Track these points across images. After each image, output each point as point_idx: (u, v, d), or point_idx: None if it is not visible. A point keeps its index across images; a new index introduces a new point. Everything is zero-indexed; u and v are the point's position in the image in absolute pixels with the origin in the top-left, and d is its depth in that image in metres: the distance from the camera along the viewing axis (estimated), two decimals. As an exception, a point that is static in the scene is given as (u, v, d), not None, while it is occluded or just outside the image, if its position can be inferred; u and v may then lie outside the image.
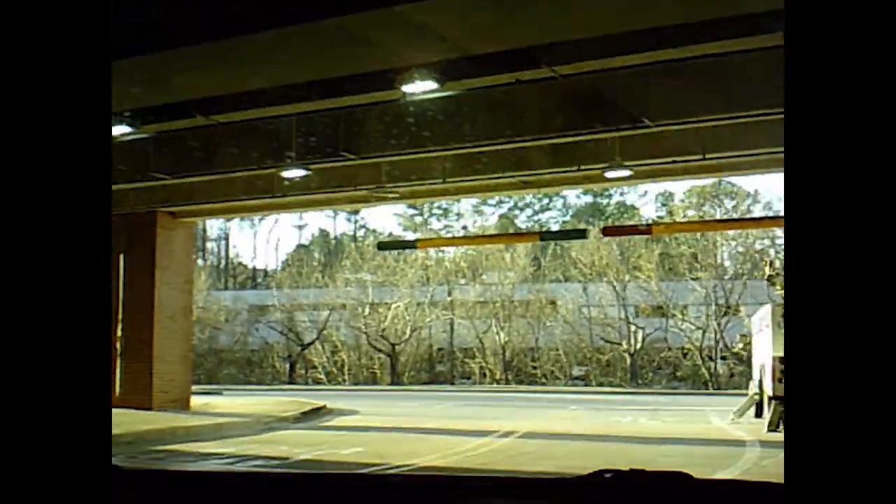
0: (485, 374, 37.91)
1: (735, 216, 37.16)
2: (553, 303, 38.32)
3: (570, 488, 1.63)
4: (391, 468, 9.39)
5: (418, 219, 46.78)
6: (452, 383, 37.02)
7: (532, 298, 38.19)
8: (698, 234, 39.24)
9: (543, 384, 36.33)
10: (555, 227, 48.66)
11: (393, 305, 37.57)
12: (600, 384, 35.18)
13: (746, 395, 16.83)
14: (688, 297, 36.08)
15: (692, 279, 36.65)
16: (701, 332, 35.07)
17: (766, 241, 37.27)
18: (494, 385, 36.03)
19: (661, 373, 35.83)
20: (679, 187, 42.05)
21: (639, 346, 34.86)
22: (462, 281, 40.14)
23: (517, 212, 51.50)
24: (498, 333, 37.38)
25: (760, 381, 14.98)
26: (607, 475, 1.59)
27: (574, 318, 37.40)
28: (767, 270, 18.55)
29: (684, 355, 35.80)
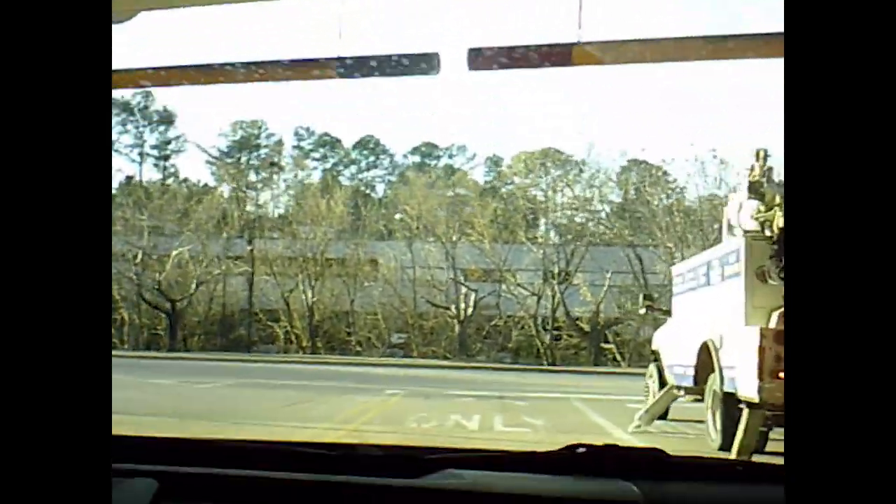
0: (290, 340, 32.57)
1: (562, 184, 34.99)
2: (374, 261, 33.43)
3: (542, 462, 1.64)
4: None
5: (233, 170, 41.54)
6: (250, 350, 31.28)
7: (348, 255, 33.11)
8: (540, 189, 36.53)
9: (358, 352, 31.60)
10: (380, 186, 46.88)
11: (173, 253, 31.25)
12: (422, 354, 30.73)
13: (644, 382, 11.56)
14: (523, 259, 32.23)
15: (528, 240, 32.98)
16: (536, 298, 31.27)
17: (604, 207, 34.45)
18: (300, 354, 30.68)
19: (491, 342, 31.74)
20: (508, 152, 41.46)
21: (469, 311, 30.43)
22: (271, 233, 34.67)
23: (341, 168, 48.96)
24: (305, 293, 32.04)
25: (697, 369, 8.91)
26: (580, 450, 1.63)
27: (396, 279, 32.68)
28: (643, 302, 12.97)
29: (516, 324, 31.96)
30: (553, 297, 31.02)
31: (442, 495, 1.51)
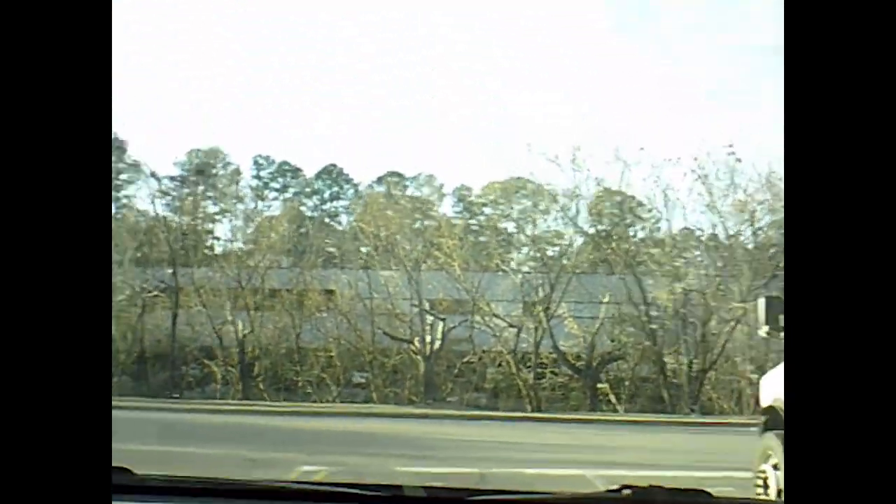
0: (227, 382, 27.49)
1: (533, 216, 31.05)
2: (329, 291, 28.61)
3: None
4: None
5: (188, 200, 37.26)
6: (173, 396, 26.07)
7: (294, 282, 28.31)
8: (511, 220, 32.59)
9: (308, 394, 26.67)
10: (344, 216, 43.99)
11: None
12: (384, 397, 25.87)
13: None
14: (498, 288, 27.58)
15: (503, 266, 28.49)
16: (515, 331, 26.56)
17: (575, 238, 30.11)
18: (235, 400, 25.61)
19: (463, 382, 26.88)
20: (477, 182, 39.28)
21: (436, 345, 25.52)
22: (215, 263, 29.89)
23: (303, 197, 45.61)
24: (239, 327, 27.13)
25: None
26: (625, 492, 1.60)
27: (351, 310, 27.85)
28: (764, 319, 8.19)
29: (493, 360, 27.20)
30: (536, 329, 26.25)
31: None
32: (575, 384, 26.07)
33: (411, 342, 26.00)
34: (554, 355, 26.61)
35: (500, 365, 26.97)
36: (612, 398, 25.09)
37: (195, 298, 27.98)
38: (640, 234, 28.43)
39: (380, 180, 45.34)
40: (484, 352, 26.99)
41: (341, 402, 26.05)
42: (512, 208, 33.67)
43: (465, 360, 26.76)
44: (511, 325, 26.76)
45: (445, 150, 52.05)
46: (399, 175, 45.45)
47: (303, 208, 43.86)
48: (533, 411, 24.55)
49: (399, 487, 1.70)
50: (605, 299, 25.28)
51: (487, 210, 37.13)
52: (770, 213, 23.91)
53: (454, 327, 25.43)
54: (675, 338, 24.08)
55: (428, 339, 25.48)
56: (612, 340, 25.56)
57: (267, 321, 28.06)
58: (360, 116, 50.46)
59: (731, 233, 24.54)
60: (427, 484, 1.78)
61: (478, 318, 26.75)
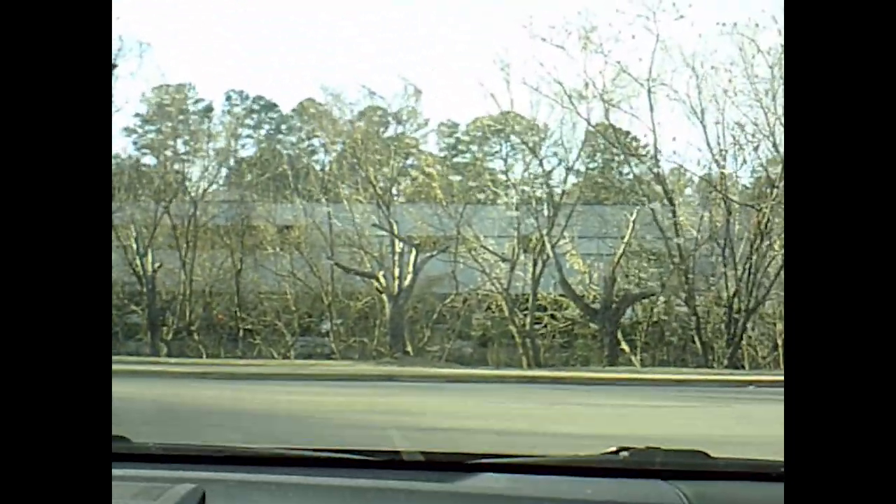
0: (167, 334, 22.64)
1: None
2: (285, 228, 23.59)
3: (584, 467, 1.63)
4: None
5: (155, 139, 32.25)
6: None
7: (240, 216, 23.33)
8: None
9: (253, 345, 21.95)
10: (322, 154, 39.34)
11: None
12: (347, 347, 21.11)
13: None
14: (487, 223, 22.75)
15: (494, 194, 23.65)
16: (509, 266, 21.66)
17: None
18: (160, 357, 20.72)
19: (445, 329, 22.06)
20: (463, 118, 34.32)
21: (405, 282, 20.41)
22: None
23: (279, 135, 40.86)
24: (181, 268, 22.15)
25: None
26: (622, 454, 1.62)
27: (310, 245, 22.90)
28: None
29: (480, 302, 22.38)
30: (534, 265, 21.32)
31: (484, 499, 1.48)
32: (582, 330, 21.26)
33: (374, 277, 20.92)
34: (554, 295, 21.77)
35: (489, 308, 22.14)
36: (626, 348, 20.33)
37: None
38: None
39: (360, 115, 41.04)
40: (470, 292, 22.16)
41: (295, 356, 21.32)
42: (501, 145, 29.28)
43: (447, 301, 21.89)
44: (503, 260, 21.85)
45: (431, 84, 46.83)
46: (381, 110, 41.10)
47: (279, 146, 39.80)
48: (529, 363, 19.75)
49: (397, 452, 1.72)
50: (626, 230, 20.25)
51: (474, 148, 33.56)
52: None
53: (430, 256, 20.34)
54: (711, 271, 19.20)
55: (397, 272, 20.39)
56: (626, 276, 20.59)
57: (208, 260, 23.12)
58: (340, 48, 44.87)
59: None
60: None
61: (462, 250, 21.78)
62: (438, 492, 1.49)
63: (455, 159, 34.48)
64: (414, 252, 18.99)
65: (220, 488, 1.46)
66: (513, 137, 27.98)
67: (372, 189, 22.28)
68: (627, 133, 23.10)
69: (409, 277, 18.63)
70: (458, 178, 28.31)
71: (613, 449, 1.62)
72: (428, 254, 20.11)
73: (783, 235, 17.46)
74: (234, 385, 12.78)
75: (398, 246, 20.76)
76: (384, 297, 20.35)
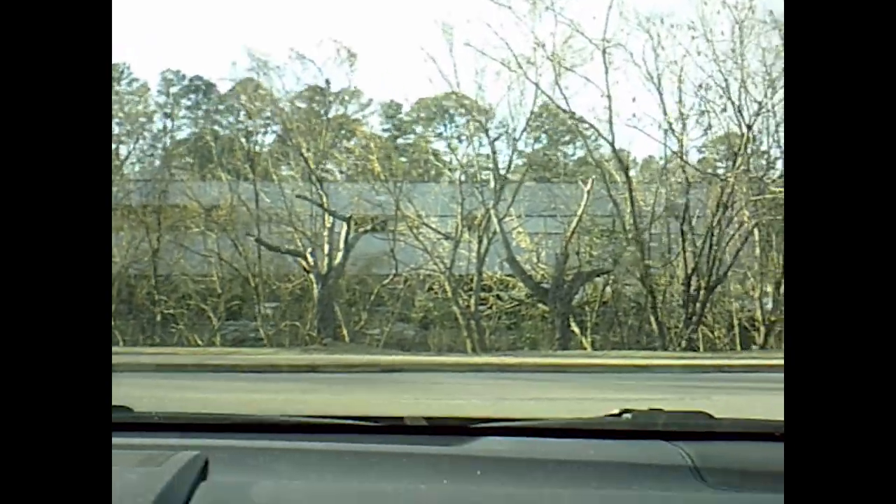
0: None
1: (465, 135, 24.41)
2: (214, 207, 21.71)
3: (587, 429, 1.65)
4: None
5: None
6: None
7: (158, 192, 21.51)
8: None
9: (178, 330, 20.21)
10: (261, 136, 37.50)
11: None
12: (279, 332, 19.43)
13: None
14: (429, 199, 21.27)
15: (437, 173, 22.19)
16: (453, 244, 20.19)
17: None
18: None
19: (384, 312, 20.50)
20: (408, 98, 34.74)
21: (336, 260, 18.65)
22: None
23: (217, 116, 38.93)
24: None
25: None
26: (625, 416, 1.64)
27: (241, 226, 21.12)
28: None
29: (422, 283, 20.90)
30: (479, 243, 19.85)
31: (487, 462, 1.49)
32: (530, 311, 19.90)
33: (301, 255, 19.19)
34: (500, 275, 20.39)
35: (431, 289, 20.64)
36: (576, 330, 19.01)
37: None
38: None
39: (299, 96, 39.28)
40: (411, 272, 20.65)
41: (223, 343, 19.63)
42: (445, 125, 28.69)
43: (386, 282, 20.32)
44: (446, 238, 20.36)
45: (374, 63, 44.84)
46: (321, 90, 39.39)
47: (217, 127, 37.91)
48: (474, 346, 18.34)
49: (400, 418, 1.73)
50: (578, 205, 18.84)
51: (419, 129, 32.97)
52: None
53: (363, 232, 18.67)
54: (668, 247, 17.94)
55: (326, 250, 18.68)
56: (579, 253, 19.24)
57: (126, 240, 21.21)
58: (281, 25, 42.69)
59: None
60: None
61: (403, 228, 20.23)
62: (441, 455, 1.50)
63: (399, 140, 33.34)
64: (346, 228, 17.19)
65: (223, 455, 1.45)
66: (458, 118, 26.65)
67: (304, 164, 20.56)
68: (579, 100, 21.84)
69: (340, 255, 16.86)
70: (401, 158, 26.93)
71: (616, 411, 1.64)
72: (361, 229, 18.40)
73: (750, 208, 16.31)
74: (139, 378, 11.08)
75: (328, 221, 19.07)
76: (312, 276, 18.62)
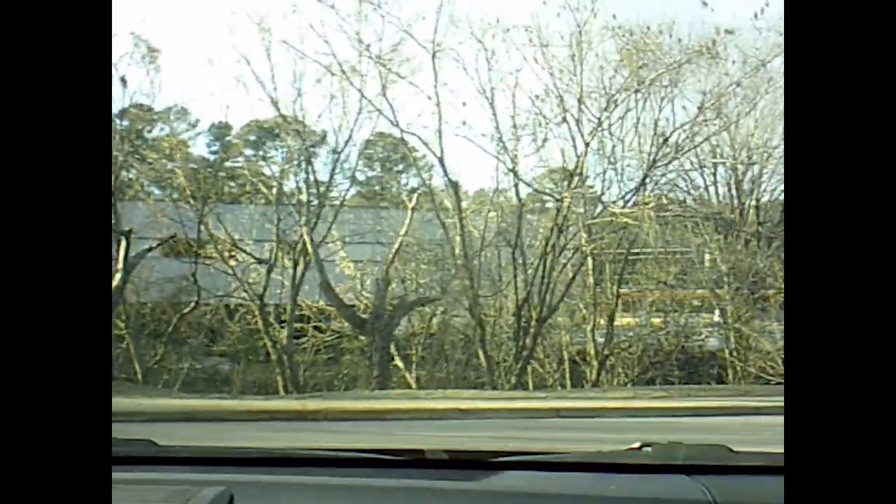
0: None
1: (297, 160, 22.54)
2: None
3: (608, 463, 1.62)
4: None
5: None
6: None
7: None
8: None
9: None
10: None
11: None
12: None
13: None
14: (243, 223, 19.17)
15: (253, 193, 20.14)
16: (266, 268, 18.10)
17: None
18: None
19: (182, 348, 18.05)
20: (238, 120, 31.97)
21: (112, 283, 16.06)
22: None
23: None
24: None
25: None
26: (645, 449, 1.63)
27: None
28: None
29: (231, 313, 18.67)
30: (294, 268, 17.85)
31: (509, 498, 1.48)
32: (350, 345, 18.06)
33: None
34: (321, 304, 18.49)
35: (240, 319, 18.43)
36: (400, 364, 17.36)
37: None
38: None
39: (122, 113, 35.94)
40: (218, 300, 18.37)
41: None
42: (276, 149, 26.16)
43: (187, 311, 17.91)
44: (259, 261, 18.28)
45: (203, 82, 41.99)
46: (147, 108, 36.22)
47: None
48: (286, 385, 16.31)
49: (421, 451, 1.73)
50: (400, 231, 17.21)
51: (248, 151, 31.72)
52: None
53: (148, 249, 16.21)
54: (499, 275, 16.61)
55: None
56: (404, 281, 17.64)
57: None
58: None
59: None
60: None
61: (210, 249, 17.96)
62: (463, 490, 1.51)
63: (226, 163, 31.10)
64: (123, 244, 14.73)
65: (248, 490, 1.48)
66: (288, 139, 24.67)
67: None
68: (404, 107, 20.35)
69: (118, 277, 14.44)
70: (217, 175, 24.57)
71: (636, 445, 1.63)
72: (146, 248, 15.97)
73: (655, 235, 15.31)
74: None
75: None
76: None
